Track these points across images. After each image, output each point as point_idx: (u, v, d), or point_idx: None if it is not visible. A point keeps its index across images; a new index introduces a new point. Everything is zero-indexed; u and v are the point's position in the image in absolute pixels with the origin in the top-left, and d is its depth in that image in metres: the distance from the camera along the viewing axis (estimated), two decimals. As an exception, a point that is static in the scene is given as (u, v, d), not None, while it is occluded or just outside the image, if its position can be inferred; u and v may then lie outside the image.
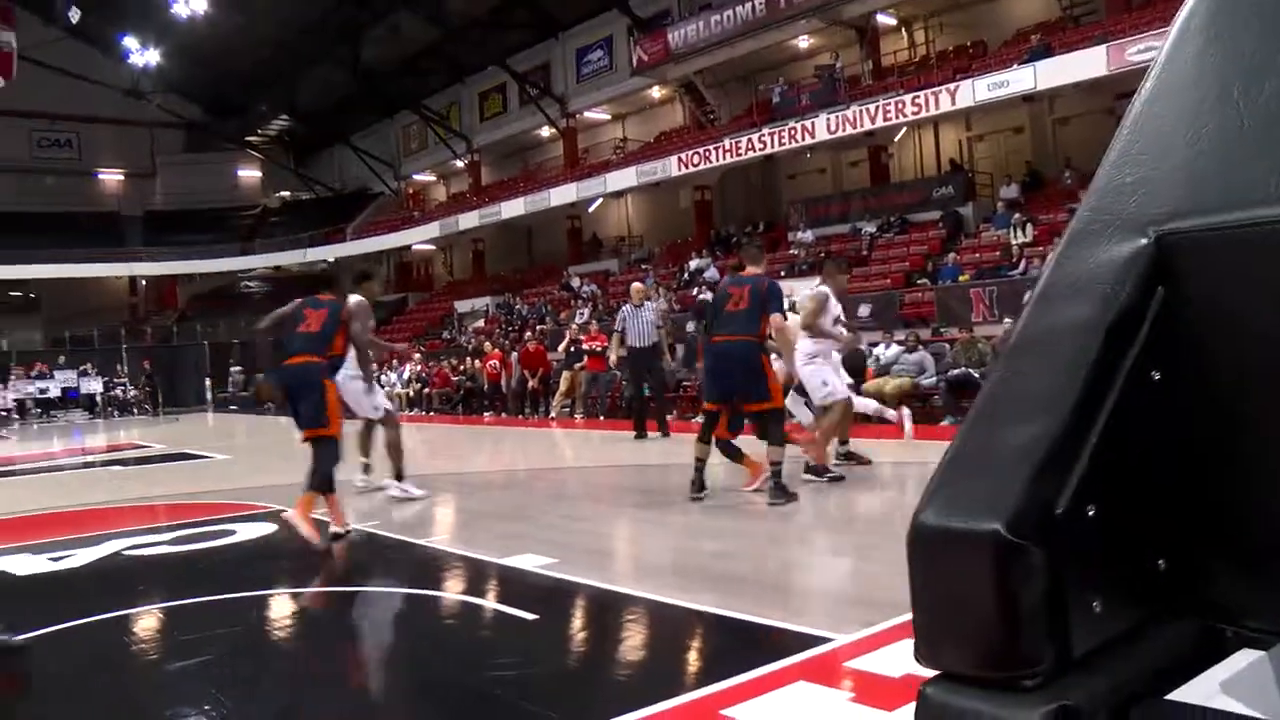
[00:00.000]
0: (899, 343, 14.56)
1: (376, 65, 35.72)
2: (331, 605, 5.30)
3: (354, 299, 8.41)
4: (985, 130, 24.20)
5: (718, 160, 25.38)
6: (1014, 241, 18.70)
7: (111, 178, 44.69)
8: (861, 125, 22.29)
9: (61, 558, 6.78)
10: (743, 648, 3.98)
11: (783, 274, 22.22)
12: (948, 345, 14.50)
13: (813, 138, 23.27)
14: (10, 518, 9.20)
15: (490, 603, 5.10)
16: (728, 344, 7.31)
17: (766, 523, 7.08)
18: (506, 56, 33.10)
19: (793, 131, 23.51)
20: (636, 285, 14.50)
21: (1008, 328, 13.92)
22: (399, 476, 8.63)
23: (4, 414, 30.23)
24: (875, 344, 15.02)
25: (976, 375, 12.82)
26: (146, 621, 5.30)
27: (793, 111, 23.98)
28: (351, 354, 7.94)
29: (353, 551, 6.93)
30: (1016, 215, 19.28)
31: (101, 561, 6.64)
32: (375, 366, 9.03)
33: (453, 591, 5.41)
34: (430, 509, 8.42)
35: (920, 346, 14.30)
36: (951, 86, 20.76)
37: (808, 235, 23.40)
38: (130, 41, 37.40)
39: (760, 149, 24.39)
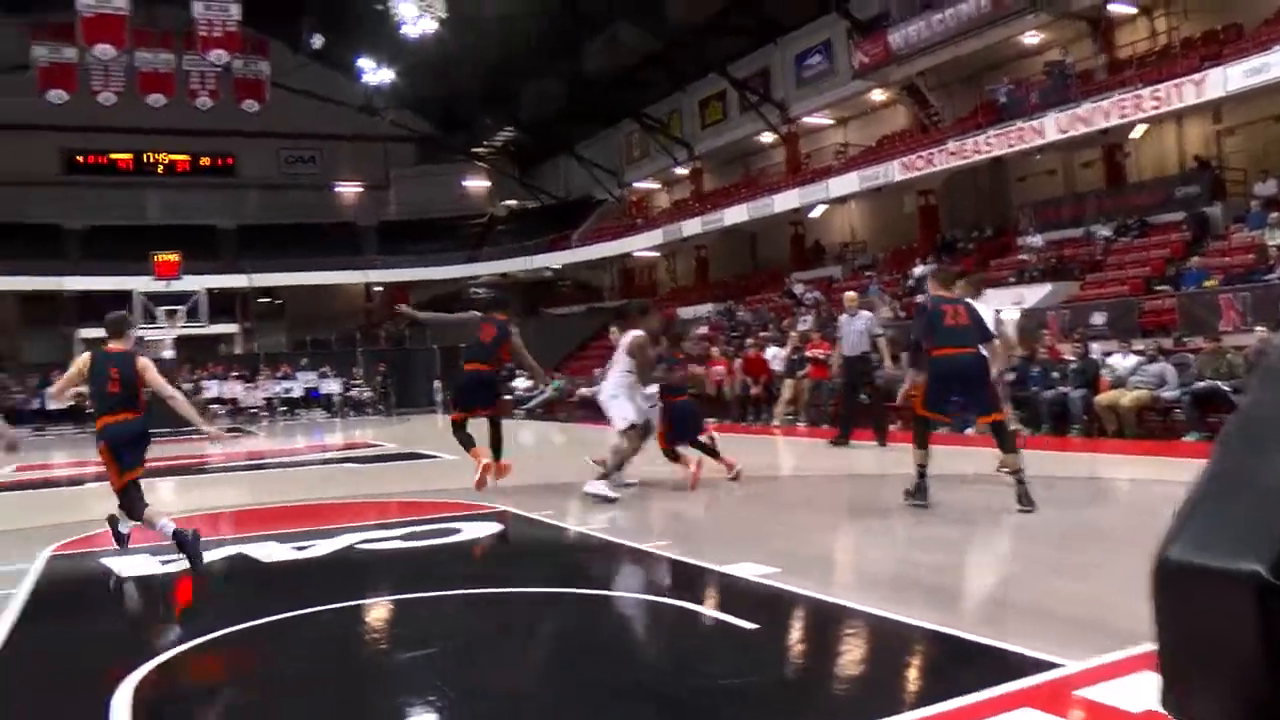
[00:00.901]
0: (1137, 352, 13.82)
1: (597, 76, 36.59)
2: (551, 606, 5.45)
3: (633, 333, 9.28)
4: (1238, 122, 22.49)
5: (942, 164, 24.70)
6: (1270, 243, 17.37)
7: (349, 190, 47.43)
8: (1095, 123, 21.20)
9: (303, 548, 7.29)
10: (965, 668, 3.91)
11: (1011, 280, 21.50)
12: (1191, 356, 13.62)
13: (1042, 138, 22.31)
14: (260, 508, 9.94)
15: (710, 610, 5.13)
16: (957, 357, 7.50)
17: (985, 536, 6.91)
18: (726, 63, 33.23)
19: (1020, 132, 22.63)
20: (849, 294, 14.38)
21: (1263, 337, 12.99)
22: (605, 476, 8.86)
23: (254, 412, 32.50)
24: (1110, 354, 14.31)
25: (1226, 389, 12.02)
26: (376, 613, 5.64)
27: (1020, 111, 23.07)
28: (612, 374, 9.37)
29: (574, 554, 7.14)
30: (1274, 214, 17.87)
31: (337, 554, 7.09)
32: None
33: (673, 597, 5.48)
34: (651, 513, 8.57)
35: (1161, 356, 13.50)
36: (1198, 76, 19.40)
37: (1037, 240, 22.47)
38: (365, 62, 39.56)
39: (986, 151, 23.57)
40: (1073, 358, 14.40)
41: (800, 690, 3.93)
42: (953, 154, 24.28)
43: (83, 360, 6.75)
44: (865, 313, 13.78)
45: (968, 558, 6.23)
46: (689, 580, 5.84)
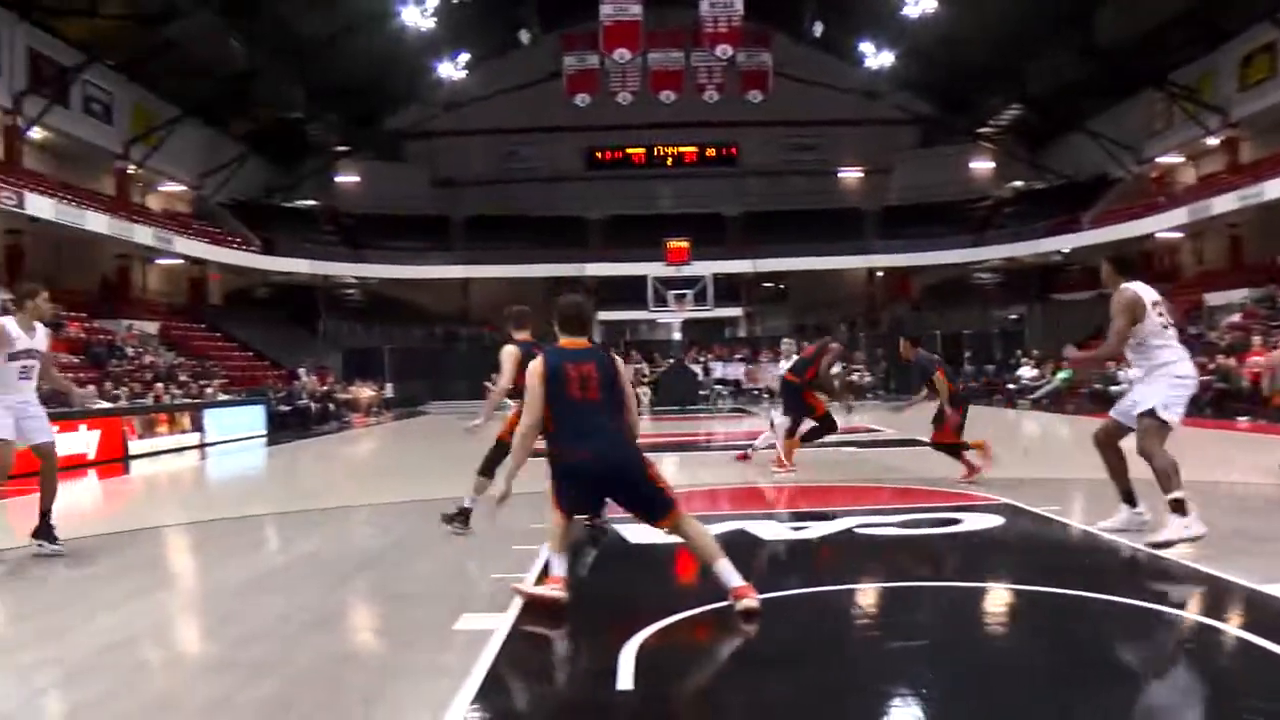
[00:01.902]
0: None
1: (1112, 43, 33.74)
2: (1054, 608, 4.99)
3: None
4: None
5: None
6: None
7: (851, 175, 47.54)
8: None
9: (801, 528, 7.32)
10: None
11: None
12: None
13: None
14: (756, 487, 10.14)
15: (1236, 630, 4.46)
16: None
17: None
18: (1277, 9, 29.17)
19: None
20: None
21: None
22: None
23: (757, 393, 33.45)
24: None
25: None
26: (869, 598, 5.50)
27: None
28: None
29: (1082, 555, 6.55)
30: None
31: (835, 536, 7.07)
32: None
33: (1193, 612, 4.87)
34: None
35: None
36: None
37: None
38: (866, 46, 39.45)
39: None
40: None
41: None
42: None
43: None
44: None
45: None
46: (1215, 596, 5.12)
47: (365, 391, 32.20)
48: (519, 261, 41.29)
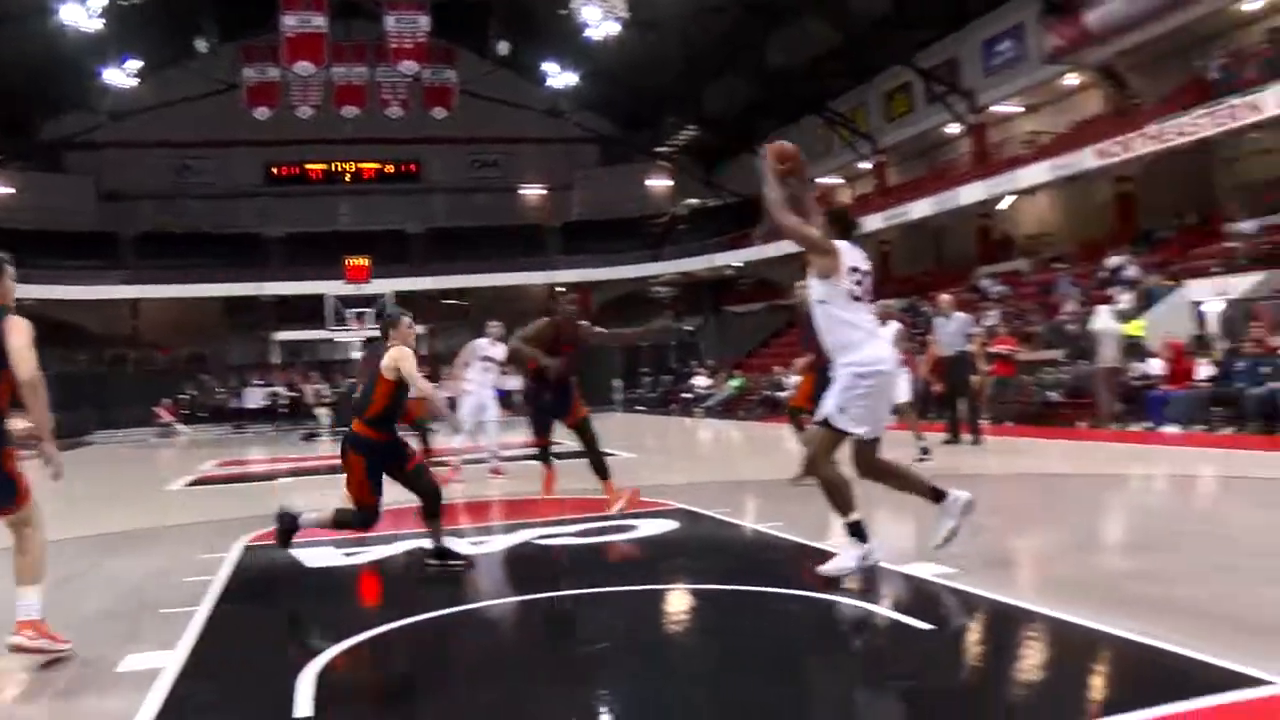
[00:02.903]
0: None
1: (780, 71, 36.19)
2: (725, 604, 5.40)
3: None
4: None
5: (1141, 149, 23.35)
6: None
7: (533, 192, 48.43)
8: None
9: (480, 543, 7.46)
10: (1162, 680, 3.69)
11: (1216, 270, 20.23)
12: None
13: (1260, 114, 20.82)
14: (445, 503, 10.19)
15: (885, 610, 5.00)
16: None
17: (1184, 540, 6.52)
18: (912, 54, 32.35)
19: (1232, 110, 21.19)
20: (945, 296, 14.59)
21: None
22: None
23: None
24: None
25: None
26: (548, 607, 5.70)
27: (1235, 86, 21.60)
28: None
29: (751, 551, 7.06)
30: None
31: (515, 549, 7.23)
32: None
33: (848, 596, 5.33)
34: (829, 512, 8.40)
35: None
36: None
37: (1249, 225, 21.03)
38: (550, 66, 40.29)
39: (1191, 133, 22.10)
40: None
41: (976, 695, 3.78)
42: (1153, 138, 22.95)
43: None
44: (960, 314, 14.25)
45: (1167, 565, 5.85)
46: (865, 580, 5.66)
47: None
48: (193, 281, 39.22)
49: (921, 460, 10.88)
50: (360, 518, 6.45)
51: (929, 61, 32.43)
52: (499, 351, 12.36)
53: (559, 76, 40.25)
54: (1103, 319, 16.43)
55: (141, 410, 31.88)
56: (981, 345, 14.89)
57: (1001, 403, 17.34)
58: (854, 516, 5.56)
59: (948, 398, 13.90)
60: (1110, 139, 24.44)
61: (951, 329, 13.65)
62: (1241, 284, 18.86)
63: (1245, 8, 23.28)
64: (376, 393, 6.44)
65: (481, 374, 12.70)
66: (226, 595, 5.99)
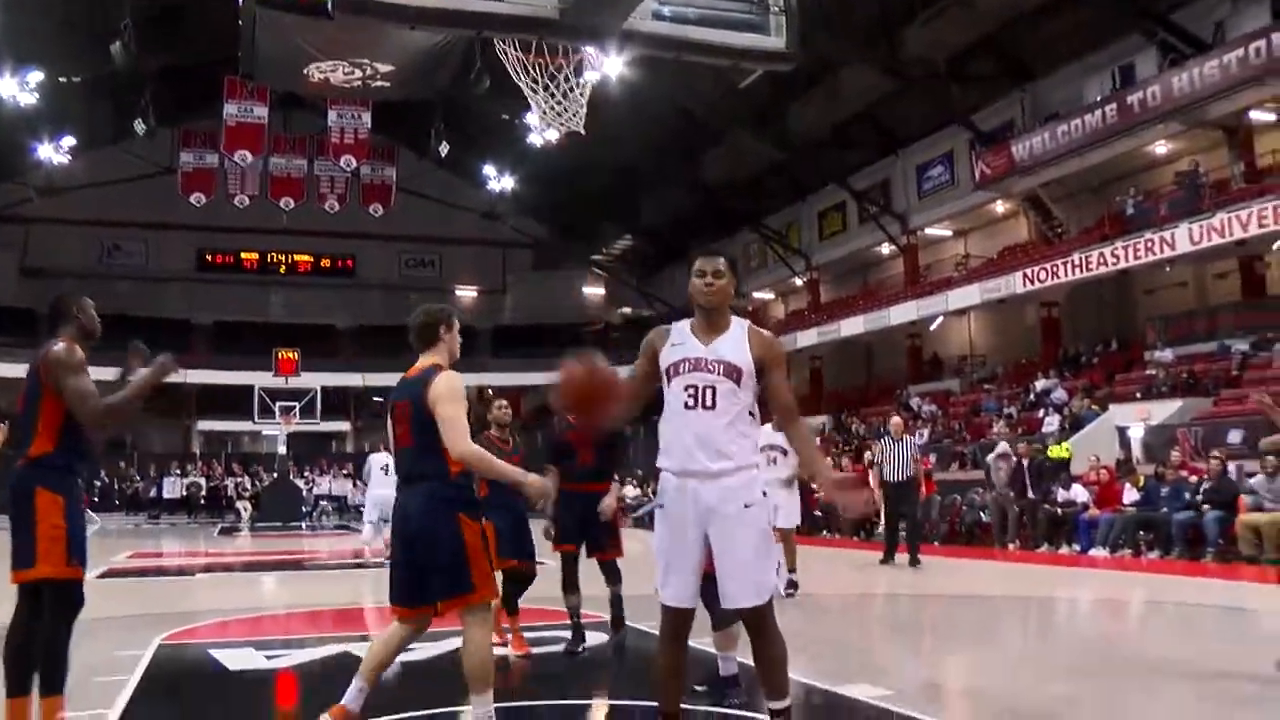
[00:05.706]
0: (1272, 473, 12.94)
1: (717, 185, 36.79)
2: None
3: None
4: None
5: (1066, 276, 24.05)
6: None
7: (466, 294, 48.24)
8: (1231, 234, 20.35)
9: (276, 656, 6.85)
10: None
11: (1138, 395, 20.67)
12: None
13: (1173, 249, 21.57)
14: (370, 608, 9.77)
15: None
16: None
17: (1113, 665, 6.40)
18: (847, 175, 33.13)
19: (1149, 243, 21.92)
20: (895, 419, 14.52)
21: None
22: None
23: (360, 508, 32.54)
24: (1253, 474, 13.48)
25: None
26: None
27: (1149, 222, 22.41)
28: None
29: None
30: None
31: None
32: None
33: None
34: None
35: (1309, 477, 12.63)
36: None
37: (1167, 354, 21.58)
38: (489, 169, 40.46)
39: (1112, 263, 22.86)
40: (1206, 477, 13.72)
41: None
42: (1077, 266, 23.65)
43: None
44: (910, 438, 14.41)
45: (1096, 690, 5.71)
46: (804, 700, 5.45)
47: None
48: (115, 364, 37.95)
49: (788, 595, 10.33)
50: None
51: (863, 183, 33.21)
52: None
53: (497, 180, 40.51)
54: (1001, 448, 17.17)
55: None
56: (924, 468, 14.98)
57: (927, 522, 17.30)
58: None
59: (891, 520, 13.80)
60: (1036, 265, 25.13)
61: (901, 452, 13.56)
62: (1163, 410, 19.24)
63: (1157, 151, 24.23)
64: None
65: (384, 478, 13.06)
66: (138, 697, 5.60)
